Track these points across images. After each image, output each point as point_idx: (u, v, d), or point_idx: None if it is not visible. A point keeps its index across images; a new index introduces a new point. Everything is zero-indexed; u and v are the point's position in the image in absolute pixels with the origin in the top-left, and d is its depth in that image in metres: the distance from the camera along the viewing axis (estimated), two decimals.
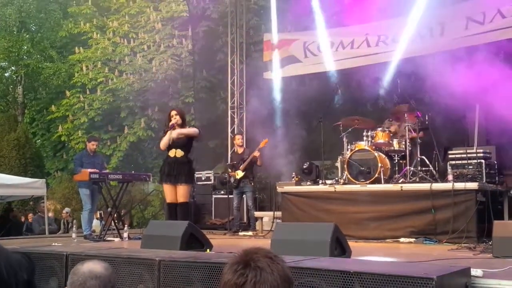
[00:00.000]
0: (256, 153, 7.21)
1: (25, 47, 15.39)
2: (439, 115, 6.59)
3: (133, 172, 10.05)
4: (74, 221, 9.28)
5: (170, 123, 5.60)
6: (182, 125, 5.62)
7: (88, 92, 13.46)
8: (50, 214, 10.83)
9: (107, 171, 7.50)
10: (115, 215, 6.56)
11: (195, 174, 5.75)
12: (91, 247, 4.89)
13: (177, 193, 5.49)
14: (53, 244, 5.19)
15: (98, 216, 9.98)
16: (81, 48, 14.11)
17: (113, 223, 6.51)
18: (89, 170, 6.14)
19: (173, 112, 5.68)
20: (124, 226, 6.54)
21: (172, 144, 5.56)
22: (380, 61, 7.63)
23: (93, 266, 1.69)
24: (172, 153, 5.57)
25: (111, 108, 13.13)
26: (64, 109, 13.62)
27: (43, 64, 15.19)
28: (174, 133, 5.54)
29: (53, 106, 14.08)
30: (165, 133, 5.66)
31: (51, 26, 15.55)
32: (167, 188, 5.58)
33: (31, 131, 14.93)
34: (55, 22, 15.43)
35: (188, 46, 12.27)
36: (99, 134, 12.72)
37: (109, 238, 6.22)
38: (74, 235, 6.68)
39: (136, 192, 11.74)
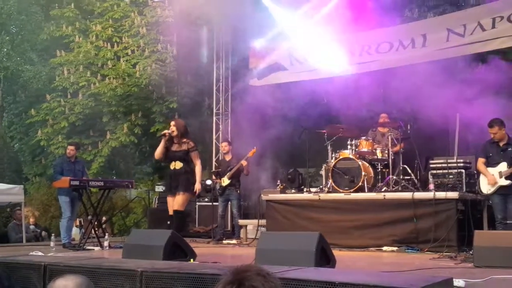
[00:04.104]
0: (244, 163, 7.14)
1: (5, 49, 15.03)
2: (421, 125, 6.69)
3: (114, 178, 9.89)
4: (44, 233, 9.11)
5: (163, 132, 5.78)
6: (181, 137, 5.65)
7: (69, 96, 13.21)
8: (32, 220, 10.52)
9: (88, 177, 7.37)
10: (96, 223, 6.43)
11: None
12: (70, 257, 4.76)
13: (175, 201, 5.53)
14: (31, 253, 5.03)
15: (78, 223, 9.74)
16: (62, 51, 13.85)
17: (93, 231, 6.37)
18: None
19: (172, 123, 5.85)
20: (104, 234, 6.41)
21: (173, 157, 5.66)
22: (363, 70, 7.72)
23: (65, 284, 1.62)
24: (172, 165, 5.70)
25: (93, 113, 12.89)
26: (44, 113, 13.30)
27: (23, 67, 14.84)
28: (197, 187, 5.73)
29: (32, 109, 13.73)
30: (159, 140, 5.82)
31: (32, 28, 15.23)
32: (169, 201, 5.65)
33: (9, 135, 14.55)
34: (37, 25, 15.12)
35: (173, 52, 12.18)
36: (80, 139, 12.46)
37: (89, 247, 6.08)
38: (52, 244, 6.51)
39: (118, 199, 11.52)
